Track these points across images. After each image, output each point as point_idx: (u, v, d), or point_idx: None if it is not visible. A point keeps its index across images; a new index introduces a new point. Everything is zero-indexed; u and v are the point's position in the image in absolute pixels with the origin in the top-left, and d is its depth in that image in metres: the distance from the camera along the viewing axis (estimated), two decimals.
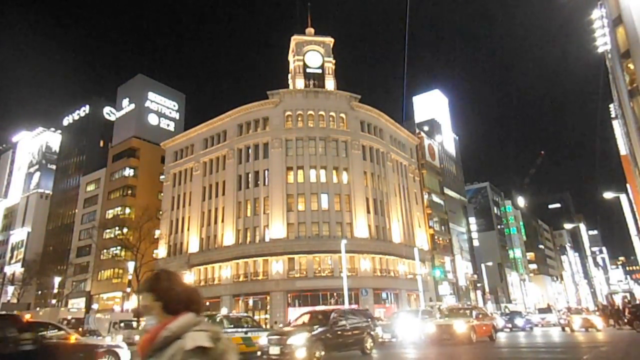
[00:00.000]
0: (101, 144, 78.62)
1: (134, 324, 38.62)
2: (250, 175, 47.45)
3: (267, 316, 40.81)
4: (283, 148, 46.40)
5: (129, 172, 65.18)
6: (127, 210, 61.60)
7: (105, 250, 59.55)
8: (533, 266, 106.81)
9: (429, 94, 79.28)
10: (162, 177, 58.76)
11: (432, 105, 77.14)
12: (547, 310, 45.90)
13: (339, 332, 12.63)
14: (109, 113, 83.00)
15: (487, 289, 67.10)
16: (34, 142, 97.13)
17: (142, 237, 44.61)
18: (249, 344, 13.75)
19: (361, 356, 13.48)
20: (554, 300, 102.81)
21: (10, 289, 66.47)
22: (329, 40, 55.60)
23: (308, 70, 53.69)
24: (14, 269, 75.20)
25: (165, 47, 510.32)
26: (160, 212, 53.30)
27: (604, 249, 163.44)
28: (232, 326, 15.04)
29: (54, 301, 65.54)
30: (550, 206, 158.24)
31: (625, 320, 26.41)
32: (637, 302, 42.88)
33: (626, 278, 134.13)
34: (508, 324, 32.29)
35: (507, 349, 16.85)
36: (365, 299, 40.58)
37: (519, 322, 32.21)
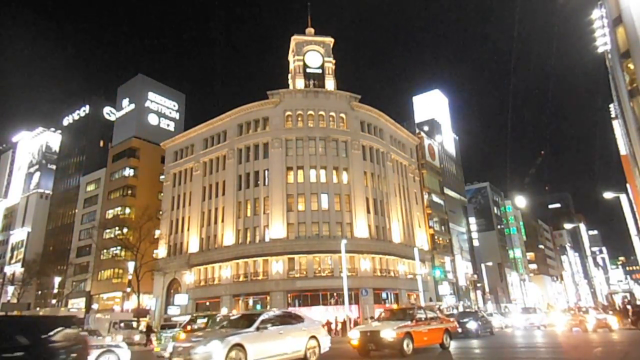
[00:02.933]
0: (101, 144, 78.69)
1: (134, 324, 38.69)
2: (250, 175, 47.45)
3: None
4: (283, 148, 46.42)
5: (129, 172, 65.19)
6: (127, 210, 61.65)
7: (105, 250, 59.59)
8: (533, 266, 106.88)
9: (429, 94, 79.34)
10: (162, 177, 58.77)
11: (432, 105, 77.22)
12: (532, 310, 42.42)
13: None
14: (109, 113, 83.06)
15: (487, 289, 67.21)
16: (34, 142, 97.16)
17: (142, 237, 44.59)
18: None
19: None
20: (554, 300, 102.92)
21: (10, 289, 66.51)
22: (329, 40, 55.62)
23: (308, 70, 53.70)
24: (14, 269, 75.27)
25: (165, 47, 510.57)
26: (160, 212, 53.31)
27: (604, 249, 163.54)
28: None
29: (54, 301, 65.62)
30: (550, 206, 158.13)
31: (630, 321, 26.47)
32: (638, 302, 42.91)
33: (626, 278, 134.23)
34: (458, 328, 21.98)
35: (457, 355, 14.15)
36: (366, 299, 40.59)
37: (472, 325, 23.03)
